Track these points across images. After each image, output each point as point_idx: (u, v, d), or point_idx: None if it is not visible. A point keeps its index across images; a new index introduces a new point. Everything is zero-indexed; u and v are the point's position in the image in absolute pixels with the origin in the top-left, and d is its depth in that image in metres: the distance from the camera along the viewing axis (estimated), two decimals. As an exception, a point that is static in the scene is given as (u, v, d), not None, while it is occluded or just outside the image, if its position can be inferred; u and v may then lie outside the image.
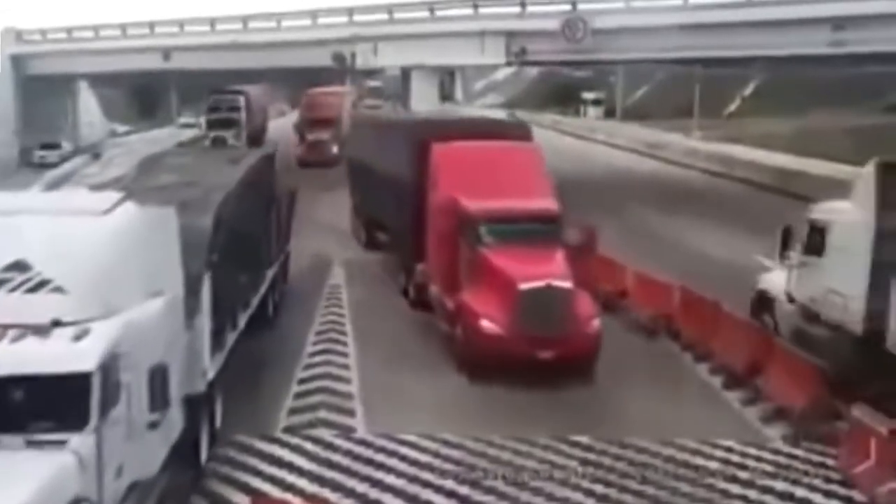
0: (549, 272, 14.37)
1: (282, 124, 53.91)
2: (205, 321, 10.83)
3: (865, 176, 13.28)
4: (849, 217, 13.53)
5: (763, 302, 15.60)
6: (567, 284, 14.26)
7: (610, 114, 67.84)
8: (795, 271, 14.64)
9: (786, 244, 14.97)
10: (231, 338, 12.65)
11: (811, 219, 14.50)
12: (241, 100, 49.37)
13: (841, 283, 13.21)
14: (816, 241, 14.10)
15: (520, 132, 19.71)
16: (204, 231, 11.25)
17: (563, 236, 15.47)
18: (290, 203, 19.73)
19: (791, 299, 14.71)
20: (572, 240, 15.69)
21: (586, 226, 17.66)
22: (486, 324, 14.22)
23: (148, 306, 9.15)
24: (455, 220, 15.57)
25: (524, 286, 14.06)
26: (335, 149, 42.03)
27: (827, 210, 14.44)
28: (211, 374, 10.99)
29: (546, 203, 15.87)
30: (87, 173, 43.62)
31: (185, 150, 21.50)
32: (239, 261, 13.38)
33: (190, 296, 10.32)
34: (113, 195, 10.50)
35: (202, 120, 54.01)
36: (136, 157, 19.84)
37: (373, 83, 74.69)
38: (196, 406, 10.43)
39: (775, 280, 15.40)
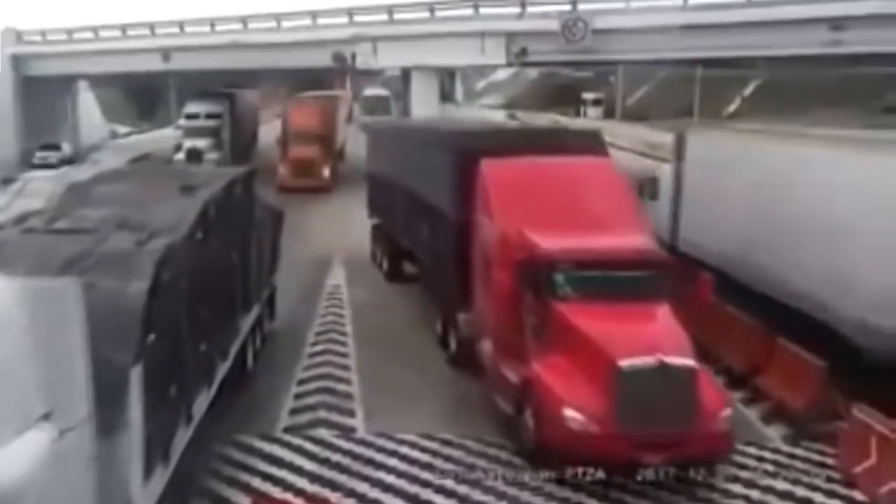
0: (659, 343, 10.59)
1: (279, 126, 52.57)
2: (133, 437, 7.33)
3: None
4: (667, 172, 20.58)
5: None
6: (687, 361, 10.48)
7: (610, 114, 67.77)
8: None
9: (640, 193, 19.77)
10: (184, 437, 9.19)
11: (654, 176, 21.16)
12: (224, 105, 42.57)
13: (664, 215, 19.66)
14: (655, 189, 20.64)
15: (590, 144, 14.98)
16: (135, 302, 7.68)
17: (670, 289, 11.62)
18: (276, 228, 16.70)
19: None
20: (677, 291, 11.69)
21: (695, 272, 13.38)
22: (571, 415, 10.32)
23: (17, 449, 5.68)
24: (519, 261, 11.67)
25: (626, 364, 10.19)
26: (327, 170, 36.31)
27: (660, 170, 21.38)
28: None
29: (643, 241, 12.17)
30: None
31: (127, 174, 16.44)
32: (196, 326, 9.86)
33: (107, 406, 6.91)
34: None
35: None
36: (61, 182, 15.36)
37: (373, 91, 62.00)
38: None
39: None
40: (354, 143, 43.32)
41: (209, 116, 41.64)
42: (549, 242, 11.61)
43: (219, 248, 11.58)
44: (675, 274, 11.92)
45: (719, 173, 17.91)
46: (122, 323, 7.40)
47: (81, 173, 17.98)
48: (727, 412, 10.75)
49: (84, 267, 8.12)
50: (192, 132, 41.22)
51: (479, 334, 13.10)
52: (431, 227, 16.15)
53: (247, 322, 13.54)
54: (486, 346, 12.67)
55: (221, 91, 44.73)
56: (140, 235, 9.21)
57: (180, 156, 39.66)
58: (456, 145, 15.23)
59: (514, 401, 11.47)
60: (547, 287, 11.37)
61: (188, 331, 9.43)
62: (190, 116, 42.57)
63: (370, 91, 62.65)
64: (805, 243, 14.40)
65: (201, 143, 39.77)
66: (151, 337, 7.81)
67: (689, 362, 10.48)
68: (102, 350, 6.91)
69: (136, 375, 7.37)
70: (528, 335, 11.51)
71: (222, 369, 11.41)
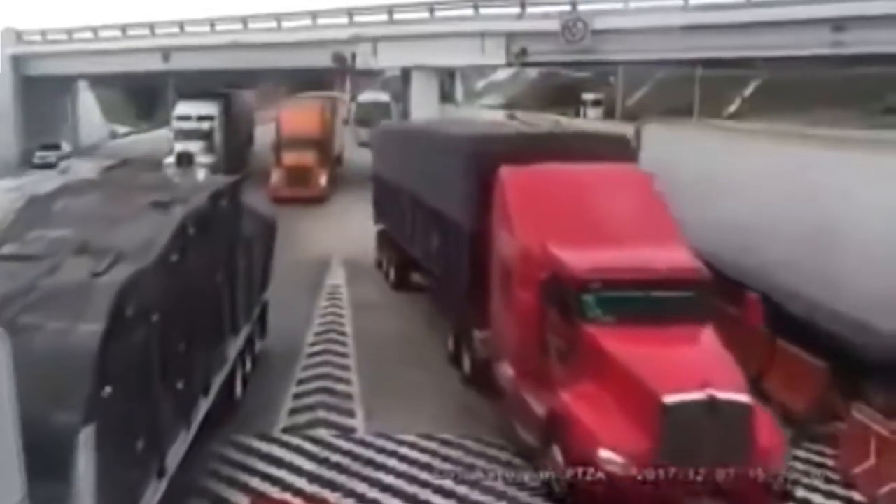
0: (708, 374, 9.22)
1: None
2: None
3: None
4: None
5: None
6: (742, 397, 9.18)
7: (610, 114, 67.81)
8: None
9: None
10: (154, 495, 7.83)
11: None
12: (217, 106, 40.01)
13: None
14: None
15: (616, 149, 13.79)
16: (85, 348, 6.39)
17: (714, 310, 10.48)
18: (268, 240, 15.42)
19: None
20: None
21: (741, 292, 11.87)
22: (608, 456, 9.09)
23: None
24: (542, 280, 10.54)
25: (672, 399, 8.93)
26: (324, 178, 34.18)
27: None
28: None
29: (682, 257, 10.77)
30: None
31: (96, 185, 13.63)
32: (171, 363, 8.54)
33: (50, 477, 5.74)
34: None
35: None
36: (19, 196, 14.42)
37: (370, 96, 57.25)
38: None
39: None
40: (352, 147, 43.19)
41: (201, 118, 39.40)
42: (576, 259, 10.46)
43: (200, 269, 10.14)
44: (718, 293, 10.75)
45: (667, 164, 19.49)
46: (69, 374, 6.16)
47: (46, 184, 15.67)
48: (784, 452, 9.55)
49: (26, 304, 6.86)
50: (183, 135, 38.76)
51: (498, 355, 12.07)
52: (443, 238, 15.03)
53: (234, 347, 12.23)
54: (506, 370, 11.62)
55: (215, 91, 42.86)
56: (99, 263, 7.76)
57: (170, 159, 37.56)
58: (471, 150, 13.87)
59: (538, 432, 10.45)
60: (575, 308, 10.16)
61: (161, 370, 8.12)
62: (181, 118, 40.05)
63: (367, 96, 58.01)
64: (738, 231, 15.69)
65: (193, 146, 37.47)
66: (107, 389, 6.48)
67: (744, 398, 9.17)
68: (44, 409, 5.76)
69: (85, 438, 6.10)
70: (553, 359, 10.44)
71: (204, 406, 10.04)
